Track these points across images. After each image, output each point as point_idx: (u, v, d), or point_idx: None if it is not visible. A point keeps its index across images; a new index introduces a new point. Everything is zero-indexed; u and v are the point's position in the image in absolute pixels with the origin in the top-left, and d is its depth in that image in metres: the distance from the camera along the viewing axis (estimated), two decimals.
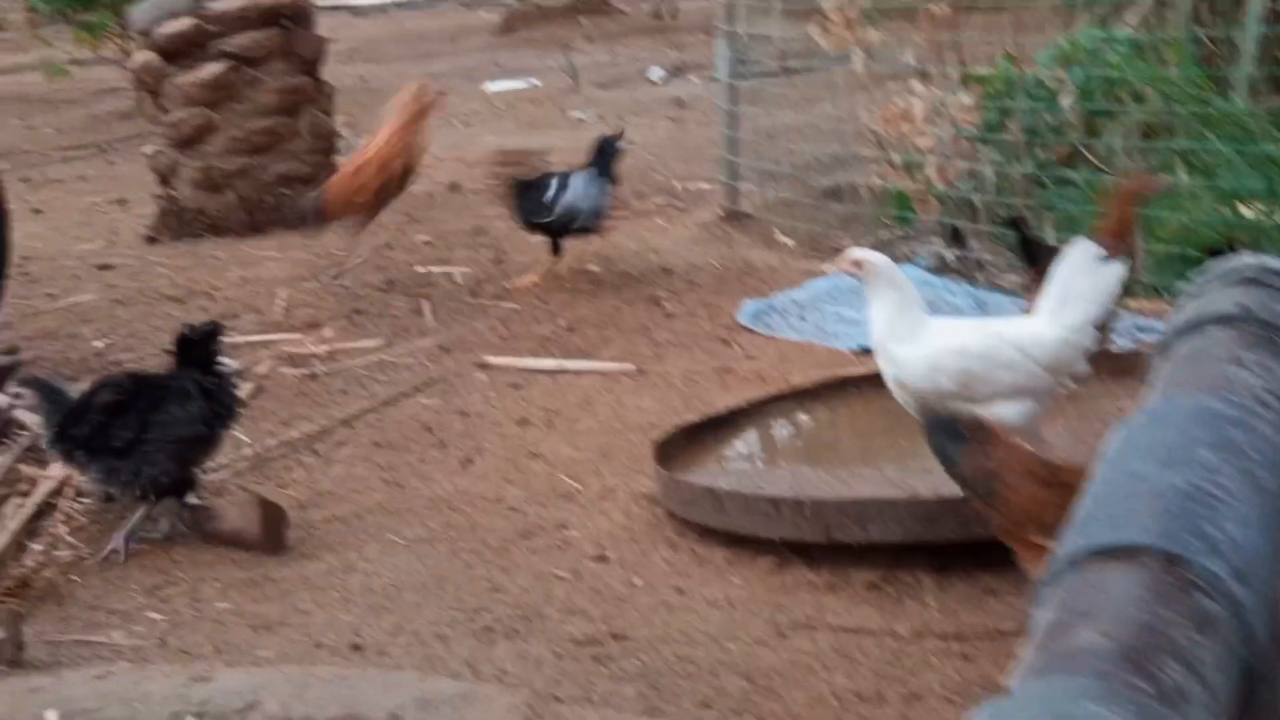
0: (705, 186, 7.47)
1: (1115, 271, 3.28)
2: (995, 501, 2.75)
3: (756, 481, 3.77)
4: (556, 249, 5.89)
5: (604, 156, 5.89)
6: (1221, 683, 1.34)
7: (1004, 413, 3.31)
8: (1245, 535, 1.51)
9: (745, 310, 5.37)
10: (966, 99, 5.95)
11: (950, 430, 2.82)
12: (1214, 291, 2.05)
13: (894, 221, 6.25)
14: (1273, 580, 1.52)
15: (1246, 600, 1.41)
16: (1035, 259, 4.43)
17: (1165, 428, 1.70)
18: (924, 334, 3.37)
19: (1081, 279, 3.30)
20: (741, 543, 3.48)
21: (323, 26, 7.70)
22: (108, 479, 3.68)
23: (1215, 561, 1.45)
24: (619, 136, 5.99)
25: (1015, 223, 4.83)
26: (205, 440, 3.78)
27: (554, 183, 5.77)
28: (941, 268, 5.87)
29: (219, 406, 3.79)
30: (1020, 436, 3.45)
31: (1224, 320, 1.96)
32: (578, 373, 4.93)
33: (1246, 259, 2.10)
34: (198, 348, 3.85)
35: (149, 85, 7.30)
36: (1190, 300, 2.09)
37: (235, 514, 3.67)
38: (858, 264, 3.48)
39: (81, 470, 3.74)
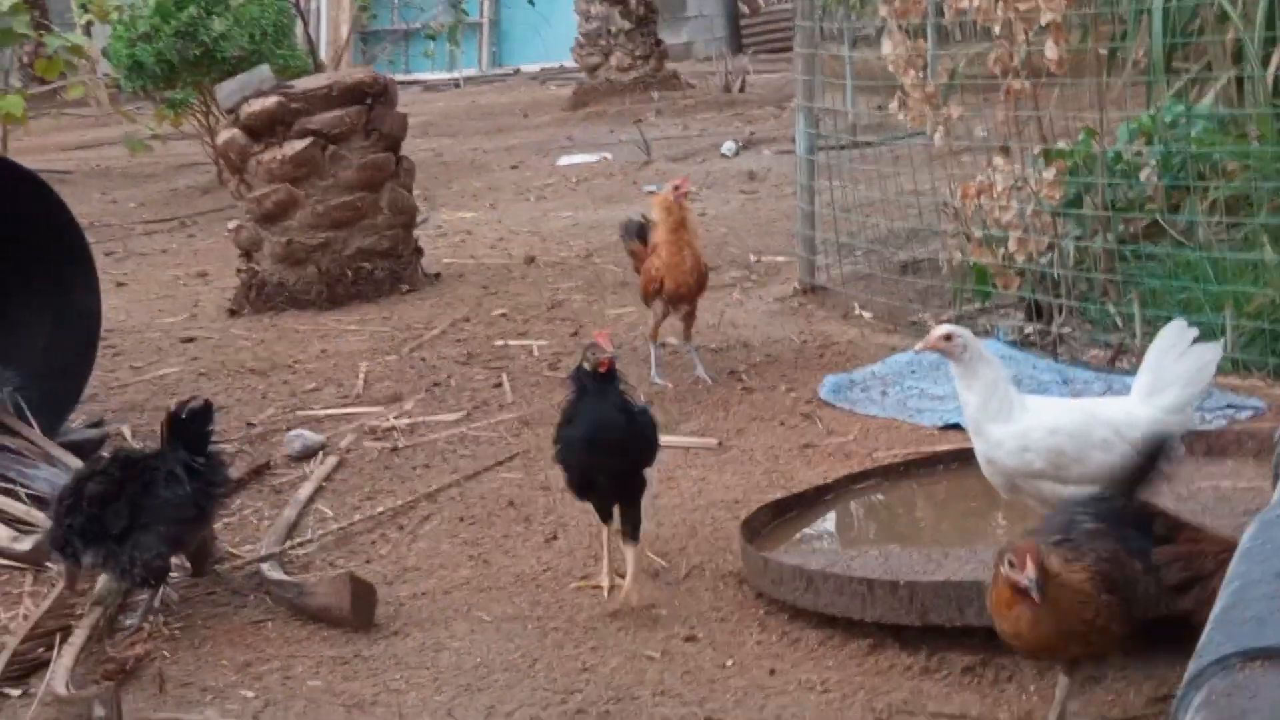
0: (781, 260, 7.48)
1: (1210, 352, 3.24)
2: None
3: (848, 561, 3.73)
4: None
5: None
6: None
7: None
8: None
9: (826, 385, 5.35)
10: (1048, 174, 5.92)
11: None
12: None
13: (973, 296, 6.21)
14: None
15: None
16: None
17: None
18: (1018, 412, 3.33)
19: (1176, 360, 3.26)
20: (834, 624, 3.44)
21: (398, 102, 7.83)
22: (104, 565, 3.70)
23: None
24: None
25: None
26: (196, 521, 3.79)
27: None
28: (1022, 342, 5.82)
29: (209, 486, 3.80)
30: None
31: None
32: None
33: None
34: (187, 427, 3.86)
35: (234, 162, 7.44)
36: None
37: (326, 590, 3.68)
38: (948, 339, 3.45)
39: (78, 559, 3.72)
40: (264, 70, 7.47)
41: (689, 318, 5.64)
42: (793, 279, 7.03)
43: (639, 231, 5.76)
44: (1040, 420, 3.30)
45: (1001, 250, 6.04)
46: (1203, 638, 1.47)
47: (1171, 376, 3.24)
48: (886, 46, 6.38)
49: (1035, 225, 6.00)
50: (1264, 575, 1.55)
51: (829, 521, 4.09)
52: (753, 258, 7.69)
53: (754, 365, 5.79)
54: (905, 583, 3.30)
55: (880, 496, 4.20)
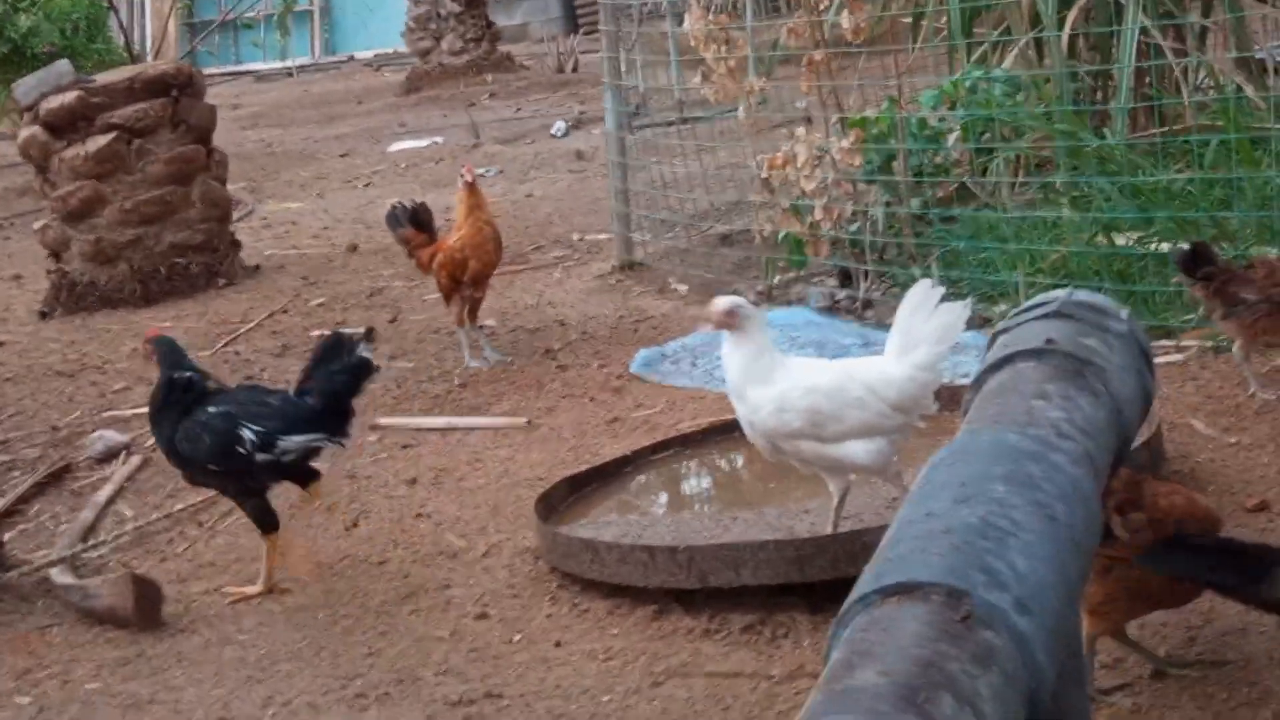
0: (603, 238, 7.51)
1: (958, 310, 3.32)
2: None
3: (639, 530, 3.77)
4: None
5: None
6: (999, 713, 1.37)
7: (855, 451, 3.34)
8: (1032, 567, 1.54)
9: (637, 359, 5.39)
10: (845, 142, 6.03)
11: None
12: (1023, 326, 2.09)
13: (787, 265, 6.31)
14: (1063, 608, 1.55)
15: (1029, 631, 1.44)
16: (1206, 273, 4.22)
17: (964, 464, 1.73)
18: (778, 374, 3.38)
19: (926, 319, 3.33)
20: (623, 593, 3.48)
21: (226, 92, 7.71)
22: None
23: (998, 594, 1.47)
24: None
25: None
26: None
27: None
28: (832, 308, 5.93)
29: None
30: (877, 476, 3.49)
31: (1030, 354, 2.00)
32: (468, 430, 4.92)
33: (1056, 293, 2.15)
34: None
35: (35, 159, 7.25)
36: (1002, 335, 2.13)
37: (109, 592, 3.62)
38: (730, 314, 3.44)
39: None
40: (63, 65, 7.28)
41: (480, 299, 5.66)
42: (613, 256, 7.07)
43: (411, 217, 5.73)
44: (797, 381, 3.36)
45: (809, 219, 6.15)
46: (859, 578, 1.53)
47: (922, 335, 3.32)
48: (688, 22, 6.44)
49: (839, 194, 6.11)
50: (916, 515, 1.61)
51: (627, 493, 4.12)
52: (575, 236, 7.72)
53: (569, 343, 5.81)
54: (684, 548, 3.35)
55: (678, 465, 4.25)
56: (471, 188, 5.56)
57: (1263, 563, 2.47)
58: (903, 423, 3.37)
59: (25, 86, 7.21)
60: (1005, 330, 2.13)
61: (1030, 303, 2.23)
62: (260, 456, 3.65)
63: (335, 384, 3.75)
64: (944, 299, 3.32)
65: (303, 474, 3.82)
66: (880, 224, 6.11)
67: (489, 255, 5.57)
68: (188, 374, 3.80)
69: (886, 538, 1.59)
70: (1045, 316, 2.10)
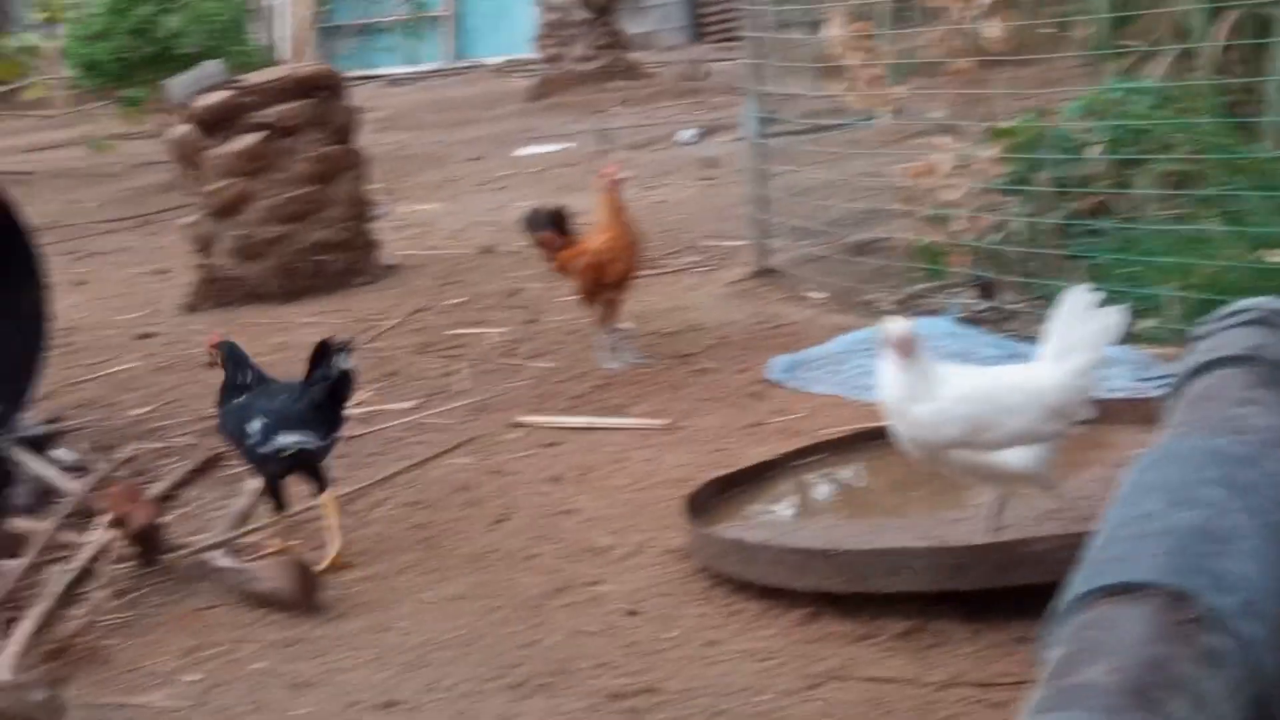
0: (735, 244, 7.53)
1: (1113, 316, 3.32)
2: None
3: (789, 533, 3.78)
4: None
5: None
6: (1229, 716, 1.36)
7: (1013, 458, 3.33)
8: (1254, 570, 1.52)
9: (776, 365, 5.40)
10: (991, 152, 5.99)
11: None
12: (1224, 333, 2.07)
13: (924, 275, 6.28)
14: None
15: (1254, 635, 1.43)
16: None
17: (1174, 467, 1.72)
18: (935, 387, 3.38)
19: (1081, 325, 3.34)
20: (775, 595, 3.49)
21: (359, 96, 7.86)
22: None
23: (1222, 597, 1.46)
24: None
25: None
26: None
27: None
28: (972, 319, 5.88)
29: None
30: (1033, 484, 3.46)
31: (1234, 361, 1.98)
32: (610, 430, 4.97)
33: (1257, 300, 2.12)
34: None
35: (187, 157, 7.46)
36: (1201, 342, 2.11)
37: (271, 575, 3.72)
38: (908, 341, 3.40)
39: None
40: (213, 65, 7.49)
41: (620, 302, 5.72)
42: (747, 263, 7.09)
43: (551, 220, 5.78)
44: (952, 391, 3.36)
45: (949, 229, 6.11)
46: (1072, 579, 1.53)
47: (1077, 340, 3.32)
48: (832, 30, 6.44)
49: (982, 204, 6.07)
50: (1131, 516, 1.60)
51: (773, 496, 4.14)
52: (708, 243, 7.75)
53: (706, 347, 5.84)
54: (840, 551, 3.35)
55: (824, 471, 4.26)
56: (615, 189, 5.60)
57: None
58: (1059, 429, 3.35)
59: (177, 85, 7.43)
60: (1204, 336, 2.11)
61: (1229, 309, 2.20)
62: (261, 450, 4.00)
63: (315, 394, 4.02)
64: (1099, 305, 3.32)
65: (311, 473, 4.08)
66: (1022, 235, 6.06)
67: (631, 258, 5.61)
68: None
69: (1099, 538, 1.58)
70: (1247, 323, 2.07)
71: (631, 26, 17.46)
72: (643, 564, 3.86)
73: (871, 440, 4.36)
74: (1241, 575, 1.50)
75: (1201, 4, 6.66)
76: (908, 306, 6.10)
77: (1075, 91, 6.70)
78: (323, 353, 4.06)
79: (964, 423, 3.33)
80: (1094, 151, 6.23)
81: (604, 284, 5.59)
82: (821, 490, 4.27)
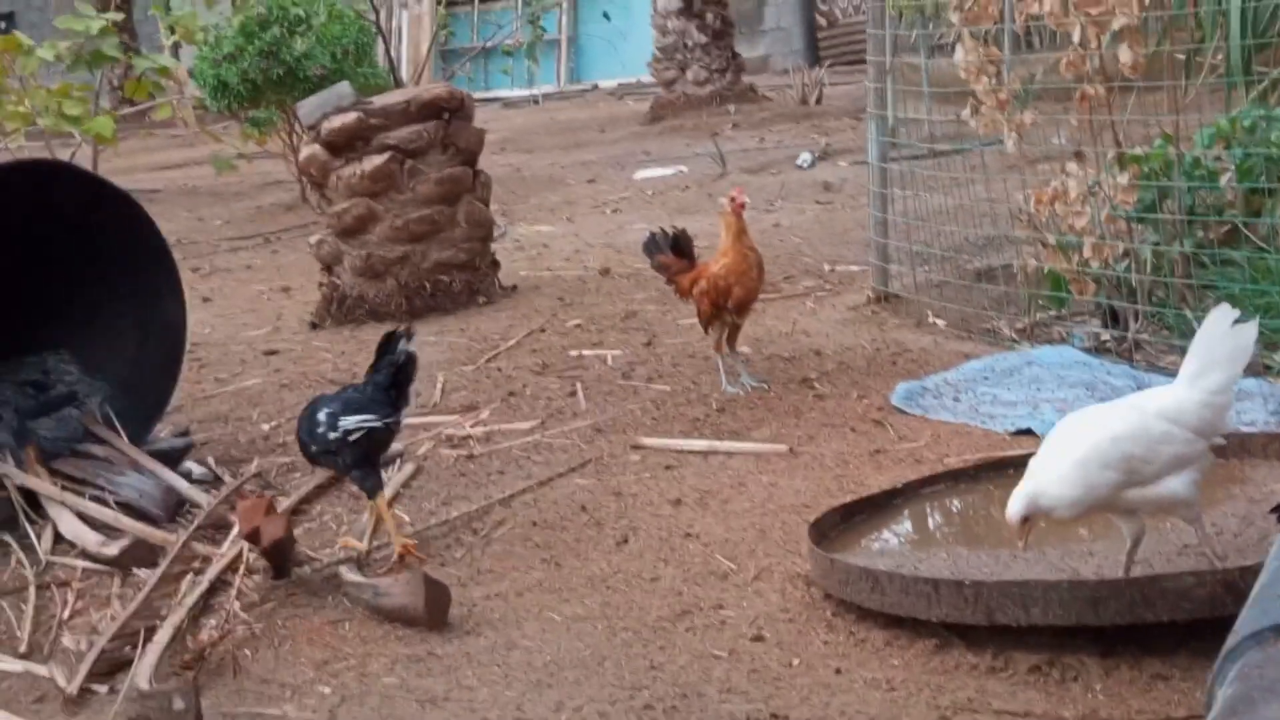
0: (854, 269, 7.49)
1: (1248, 330, 3.28)
2: None
3: (914, 562, 3.74)
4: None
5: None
6: None
7: (1173, 486, 3.28)
8: None
9: (898, 392, 5.36)
10: (1122, 179, 5.89)
11: None
12: None
13: (1048, 302, 6.19)
14: None
15: None
16: None
17: None
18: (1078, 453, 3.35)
19: (1219, 342, 3.30)
20: (900, 624, 3.46)
21: (476, 118, 7.95)
22: None
23: None
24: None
25: None
26: None
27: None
28: (1098, 348, 5.79)
29: None
30: (1186, 516, 3.40)
31: None
32: (730, 454, 4.96)
33: None
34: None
35: (315, 177, 7.60)
36: None
37: (401, 591, 3.76)
38: (1026, 524, 3.38)
39: None
40: (344, 87, 7.62)
41: (740, 326, 5.73)
42: (866, 288, 7.04)
43: (671, 243, 5.83)
44: (1100, 435, 3.32)
45: (1076, 256, 6.02)
46: (1241, 615, 1.50)
47: (1216, 358, 3.28)
48: (959, 54, 6.38)
49: (1110, 231, 5.97)
50: None
51: (898, 524, 4.10)
52: (826, 267, 7.71)
53: (826, 373, 5.81)
54: (971, 582, 3.31)
55: (950, 500, 4.21)
56: (738, 213, 5.61)
57: None
58: (1206, 448, 3.31)
59: (308, 107, 7.57)
60: None
61: None
62: (331, 435, 4.20)
63: (381, 378, 4.29)
64: (1234, 322, 3.27)
65: (371, 461, 4.28)
66: (1149, 264, 5.95)
67: (753, 282, 5.61)
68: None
69: (1266, 576, 1.55)
70: None
71: (747, 50, 17.49)
72: (766, 589, 3.85)
73: (996, 470, 4.32)
74: None
75: None
76: (1030, 334, 6.02)
77: (1207, 118, 6.58)
78: (387, 342, 4.32)
79: (1122, 463, 3.28)
80: (1225, 179, 6.11)
81: (724, 308, 5.59)
82: (946, 520, 4.22)
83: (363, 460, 4.23)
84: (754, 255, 5.63)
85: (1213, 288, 5.72)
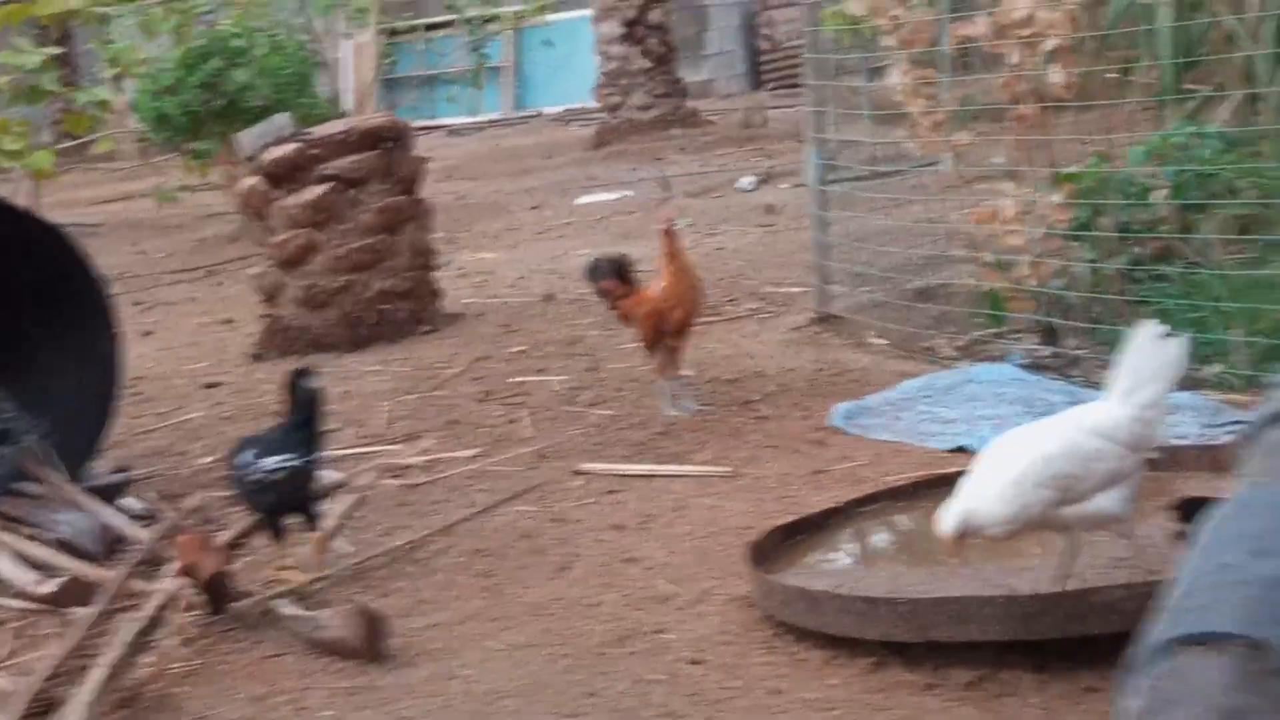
0: (797, 291, 7.53)
1: (1176, 346, 3.33)
2: None
3: (853, 581, 3.76)
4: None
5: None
6: None
7: (1108, 502, 3.31)
8: None
9: (838, 412, 5.39)
10: (1056, 197, 5.97)
11: None
12: None
13: (986, 320, 6.24)
14: None
15: None
16: None
17: (1254, 517, 1.70)
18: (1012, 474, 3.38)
19: (1148, 359, 3.35)
20: (839, 644, 3.47)
21: (420, 146, 7.95)
22: None
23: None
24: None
25: None
26: None
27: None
28: (1036, 365, 5.84)
29: None
30: (1119, 530, 3.43)
31: None
32: (672, 477, 4.97)
33: None
34: None
35: (255, 208, 7.57)
36: (1273, 391, 2.09)
37: (338, 623, 3.74)
38: (963, 541, 3.41)
39: None
40: (282, 118, 7.60)
41: (681, 349, 5.73)
42: (808, 309, 7.09)
43: (612, 268, 5.81)
44: (1033, 453, 3.35)
45: (1013, 274, 6.09)
46: (1149, 627, 1.51)
47: (1146, 374, 3.33)
48: (894, 76, 6.45)
49: (1046, 249, 6.04)
50: (1210, 566, 1.58)
51: (837, 544, 4.12)
52: (769, 289, 7.75)
53: (768, 394, 5.83)
54: (906, 600, 3.33)
55: (888, 518, 4.23)
56: (670, 236, 5.63)
57: None
58: (1138, 463, 3.35)
59: (248, 138, 7.55)
60: (1277, 386, 2.08)
61: None
62: (254, 476, 4.19)
63: (294, 415, 4.30)
64: (1163, 337, 3.32)
65: (302, 507, 4.26)
66: (1086, 281, 6.02)
67: (691, 305, 5.64)
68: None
69: (1178, 588, 1.57)
70: None
71: (690, 75, 17.58)
72: (707, 612, 3.85)
73: (934, 488, 4.34)
74: None
75: (1268, 48, 6.64)
76: (970, 353, 6.07)
77: (1140, 136, 6.67)
78: (292, 382, 4.32)
79: (1054, 481, 3.32)
80: (1159, 196, 6.20)
81: (664, 331, 5.61)
82: (885, 538, 4.25)
83: (290, 498, 4.19)
84: (691, 278, 5.66)
85: (1147, 303, 5.79)
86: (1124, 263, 5.99)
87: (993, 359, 5.93)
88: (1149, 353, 3.32)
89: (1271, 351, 5.33)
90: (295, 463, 4.19)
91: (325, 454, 4.42)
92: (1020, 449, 3.40)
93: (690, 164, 13.36)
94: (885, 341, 6.44)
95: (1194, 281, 5.78)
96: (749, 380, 6.06)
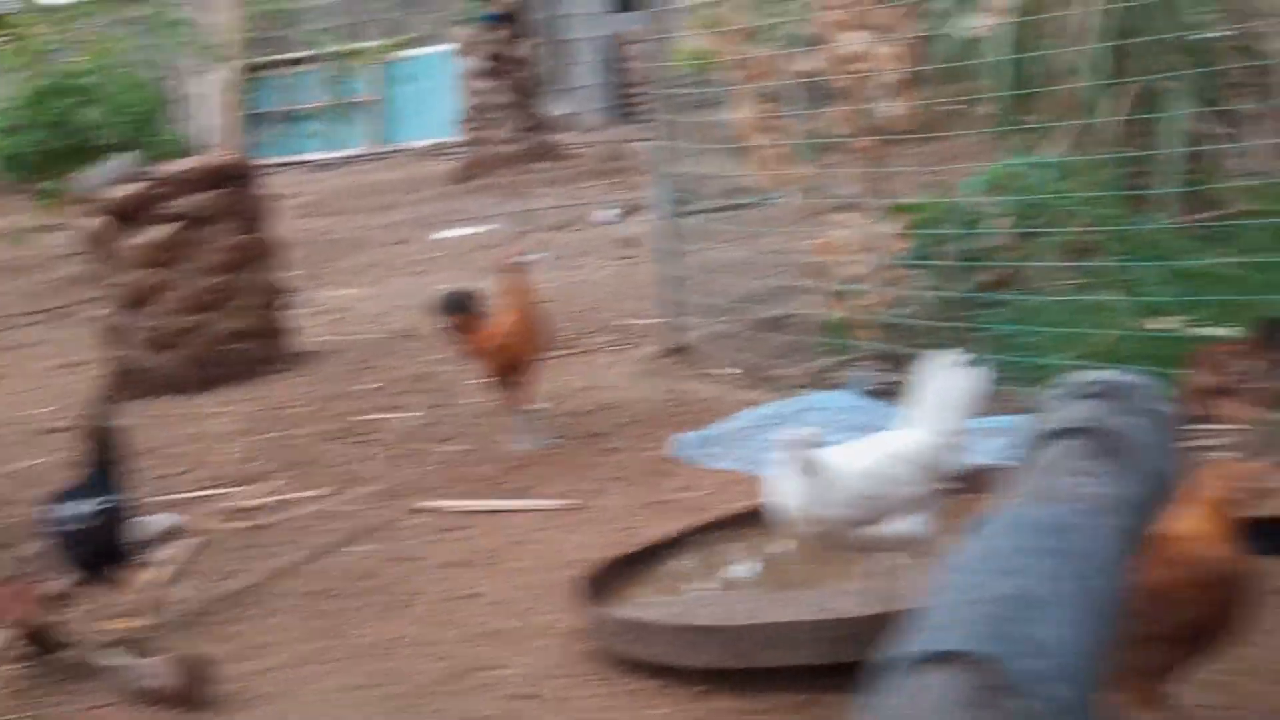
0: (649, 323, 7.60)
1: (976, 375, 3.44)
2: None
3: (684, 611, 3.81)
4: None
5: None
6: None
7: (904, 527, 3.39)
8: (1068, 635, 1.58)
9: (683, 442, 5.45)
10: (894, 228, 6.11)
11: None
12: (1066, 406, 2.15)
13: (831, 348, 6.36)
14: (1097, 677, 1.58)
15: (1066, 696, 1.48)
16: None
17: (1005, 536, 1.78)
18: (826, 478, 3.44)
19: (949, 387, 3.45)
20: (670, 673, 3.51)
21: (284, 182, 7.89)
22: None
23: (1031, 662, 1.52)
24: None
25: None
26: None
27: None
28: (876, 391, 5.96)
29: None
30: (918, 553, 3.52)
31: (1073, 433, 2.06)
32: (517, 512, 4.98)
33: (1095, 374, 2.21)
34: None
35: (100, 249, 7.44)
36: (1047, 414, 2.19)
37: (163, 671, 3.69)
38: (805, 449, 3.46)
39: None
40: (127, 157, 7.49)
41: (528, 383, 5.75)
42: (660, 341, 7.15)
43: (459, 303, 5.83)
44: (840, 473, 3.42)
45: (855, 303, 6.21)
46: (896, 646, 1.58)
47: (947, 401, 3.43)
48: (739, 111, 6.57)
49: (887, 278, 6.18)
50: (955, 585, 1.66)
51: (672, 574, 4.16)
52: (622, 322, 7.81)
53: (618, 426, 5.88)
54: (730, 628, 3.38)
55: (719, 547, 4.28)
56: (515, 272, 5.67)
57: None
58: (939, 490, 3.44)
59: (92, 178, 7.42)
60: (1048, 410, 2.19)
61: (1073, 383, 2.29)
62: (64, 527, 4.13)
63: (92, 458, 4.22)
64: (964, 366, 3.43)
65: (115, 552, 4.17)
66: (926, 309, 6.17)
67: (535, 339, 5.66)
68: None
69: (925, 607, 1.64)
70: (1086, 396, 2.16)
71: (555, 109, 17.65)
72: (543, 646, 3.87)
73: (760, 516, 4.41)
74: (1055, 640, 1.56)
75: (1099, 80, 6.86)
76: (815, 381, 6.18)
77: (978, 167, 6.86)
78: (92, 426, 4.27)
79: (859, 501, 3.39)
80: (995, 225, 6.38)
81: (509, 366, 5.63)
82: (715, 566, 4.29)
83: (102, 544, 4.12)
84: (535, 312, 5.69)
85: (985, 329, 5.95)
86: (962, 290, 6.15)
87: (837, 387, 6.04)
88: (950, 381, 3.42)
89: None
90: (101, 508, 4.11)
91: (132, 496, 4.31)
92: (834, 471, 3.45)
93: (553, 198, 13.41)
94: (734, 371, 6.52)
95: (1028, 308, 5.94)
96: (600, 412, 6.10)
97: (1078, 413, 2.13)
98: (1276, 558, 2.96)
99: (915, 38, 6.50)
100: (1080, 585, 1.65)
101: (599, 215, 11.69)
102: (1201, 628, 2.58)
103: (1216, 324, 5.34)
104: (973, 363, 3.49)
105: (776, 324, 6.90)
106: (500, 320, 5.67)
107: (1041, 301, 5.93)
